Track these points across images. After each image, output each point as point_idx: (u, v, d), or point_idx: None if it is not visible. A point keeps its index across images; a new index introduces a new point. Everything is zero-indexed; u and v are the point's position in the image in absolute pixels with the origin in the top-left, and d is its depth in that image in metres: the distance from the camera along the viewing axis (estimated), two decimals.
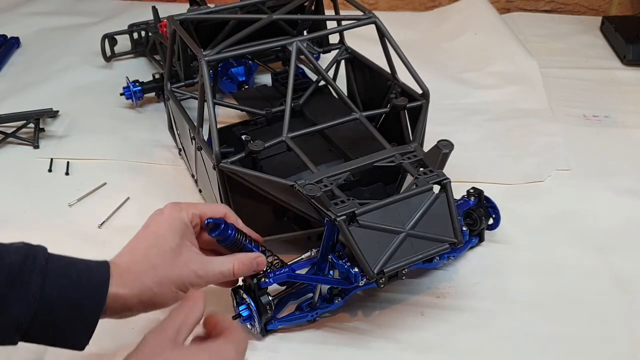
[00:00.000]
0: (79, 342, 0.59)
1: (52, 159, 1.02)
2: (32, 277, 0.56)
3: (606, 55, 1.32)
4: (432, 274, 0.82)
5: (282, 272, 0.71)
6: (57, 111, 1.12)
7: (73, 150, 1.04)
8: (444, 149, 0.71)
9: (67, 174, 1.00)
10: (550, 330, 0.75)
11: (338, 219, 0.65)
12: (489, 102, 1.17)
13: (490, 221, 0.85)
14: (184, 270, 0.65)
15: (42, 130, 1.07)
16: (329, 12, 1.06)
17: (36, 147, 1.05)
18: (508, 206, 0.92)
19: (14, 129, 1.07)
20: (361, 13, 0.90)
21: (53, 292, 0.56)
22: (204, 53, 0.80)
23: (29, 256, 0.57)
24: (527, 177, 0.98)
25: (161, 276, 0.63)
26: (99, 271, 0.60)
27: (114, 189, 0.96)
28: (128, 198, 0.94)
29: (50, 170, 1.01)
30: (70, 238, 0.87)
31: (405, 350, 0.73)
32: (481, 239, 0.85)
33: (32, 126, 1.07)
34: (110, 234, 0.89)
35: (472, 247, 0.84)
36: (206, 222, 0.69)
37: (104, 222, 0.90)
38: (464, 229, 0.79)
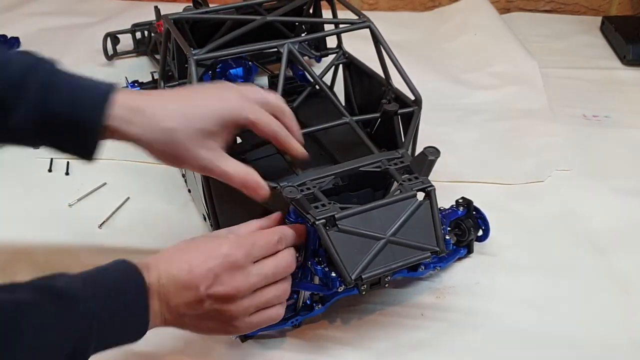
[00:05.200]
0: (84, 153, 0.64)
1: (52, 159, 1.02)
2: (33, 87, 0.61)
3: (606, 55, 1.32)
4: (431, 275, 0.82)
5: None
6: None
7: None
8: (430, 155, 0.70)
9: (67, 174, 1.00)
10: (550, 331, 0.75)
11: (317, 222, 0.65)
12: (489, 102, 1.17)
13: (480, 233, 0.84)
14: (197, 154, 0.64)
15: None
16: (328, 14, 1.06)
17: (36, 147, 1.05)
18: (508, 206, 0.92)
19: None
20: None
21: (54, 104, 0.61)
22: (193, 52, 0.81)
23: (32, 69, 0.61)
24: (527, 177, 0.98)
25: (172, 141, 0.63)
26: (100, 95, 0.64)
27: (114, 189, 0.96)
28: (128, 198, 0.94)
29: (50, 170, 1.01)
30: (70, 238, 0.87)
31: (405, 350, 0.73)
32: (470, 250, 0.84)
33: None
34: (110, 234, 0.89)
35: (460, 258, 0.84)
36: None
37: (104, 222, 0.90)
38: (447, 237, 0.78)
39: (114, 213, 0.92)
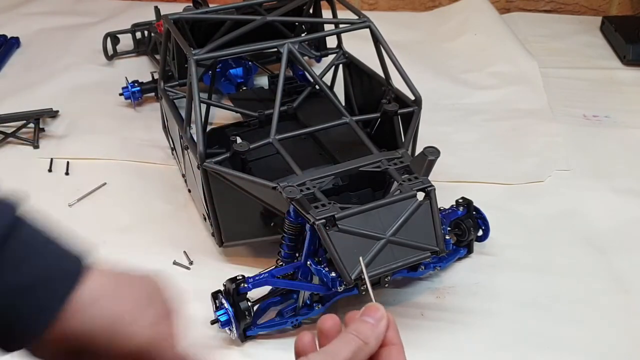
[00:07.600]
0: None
1: (52, 159, 1.02)
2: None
3: (606, 55, 1.32)
4: (431, 275, 0.81)
5: (261, 277, 0.71)
6: (57, 111, 1.12)
7: (73, 150, 1.04)
8: (430, 155, 0.70)
9: (67, 174, 1.00)
10: (549, 330, 0.75)
11: (317, 222, 0.64)
12: (489, 102, 1.17)
13: (480, 233, 0.84)
14: None
15: (42, 130, 1.07)
16: (328, 14, 1.06)
17: (36, 147, 1.05)
18: (508, 206, 0.92)
19: (14, 129, 1.07)
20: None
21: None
22: (193, 52, 0.81)
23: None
24: (527, 177, 0.98)
25: None
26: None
27: (113, 189, 0.96)
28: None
29: (50, 170, 1.01)
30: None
31: (405, 350, 0.72)
32: (470, 250, 0.84)
33: (32, 126, 1.07)
34: (111, 234, 0.88)
35: (460, 258, 0.83)
36: None
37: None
38: (447, 237, 0.78)
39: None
